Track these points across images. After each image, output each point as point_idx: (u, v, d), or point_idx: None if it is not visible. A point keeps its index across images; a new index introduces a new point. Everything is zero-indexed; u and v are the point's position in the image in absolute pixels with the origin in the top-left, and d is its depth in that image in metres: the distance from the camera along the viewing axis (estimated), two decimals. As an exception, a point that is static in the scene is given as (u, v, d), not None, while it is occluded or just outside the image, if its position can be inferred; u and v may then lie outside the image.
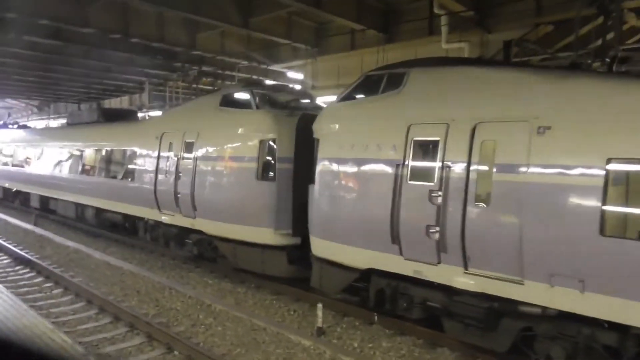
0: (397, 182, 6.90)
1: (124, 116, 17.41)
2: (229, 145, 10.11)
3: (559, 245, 5.34)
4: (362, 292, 8.12)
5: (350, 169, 7.64)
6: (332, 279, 8.38)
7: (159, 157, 12.21)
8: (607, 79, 5.96)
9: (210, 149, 10.53)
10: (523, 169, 5.67)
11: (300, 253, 9.56)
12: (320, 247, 8.37)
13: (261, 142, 9.53)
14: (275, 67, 18.59)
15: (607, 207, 5.12)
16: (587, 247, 5.17)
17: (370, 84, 7.96)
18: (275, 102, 10.35)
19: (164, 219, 12.14)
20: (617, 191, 5.30)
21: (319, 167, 8.29)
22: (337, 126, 8.09)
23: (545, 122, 5.57)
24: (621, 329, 5.26)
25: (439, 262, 6.43)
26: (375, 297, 7.69)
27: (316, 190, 8.33)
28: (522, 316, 5.94)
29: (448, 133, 6.40)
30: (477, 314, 6.22)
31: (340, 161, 7.81)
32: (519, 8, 10.83)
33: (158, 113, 17.74)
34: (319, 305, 7.57)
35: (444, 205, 6.36)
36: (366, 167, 7.39)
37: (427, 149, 6.75)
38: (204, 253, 11.43)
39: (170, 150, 11.85)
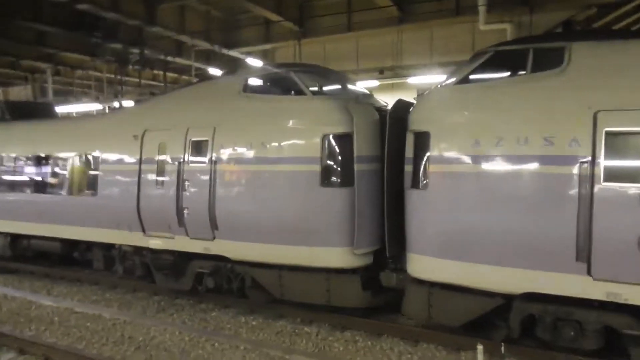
0: (585, 185, 5.73)
1: (42, 112, 13.96)
2: (273, 144, 8.03)
3: None
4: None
5: (500, 169, 6.24)
6: (455, 308, 6.94)
7: (141, 163, 9.60)
8: None
9: (239, 149, 8.33)
10: None
11: (371, 275, 8.00)
12: (435, 268, 6.85)
13: (325, 137, 7.67)
14: (234, 53, 16.44)
15: None
16: None
17: (504, 62, 6.69)
18: (326, 87, 8.56)
19: (153, 243, 9.59)
20: None
21: (434, 168, 6.79)
22: (466, 115, 6.64)
23: None
24: None
25: None
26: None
27: (430, 197, 6.81)
28: None
29: None
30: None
31: (481, 160, 6.36)
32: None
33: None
34: (480, 348, 6.08)
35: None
36: (528, 167, 6.05)
37: (626, 142, 5.67)
38: (222, 285, 9.20)
39: (162, 152, 9.34)
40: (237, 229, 8.35)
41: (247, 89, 8.72)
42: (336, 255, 7.74)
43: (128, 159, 9.80)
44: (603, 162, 5.64)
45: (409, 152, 7.28)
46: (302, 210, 7.79)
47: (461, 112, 6.64)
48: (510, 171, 6.17)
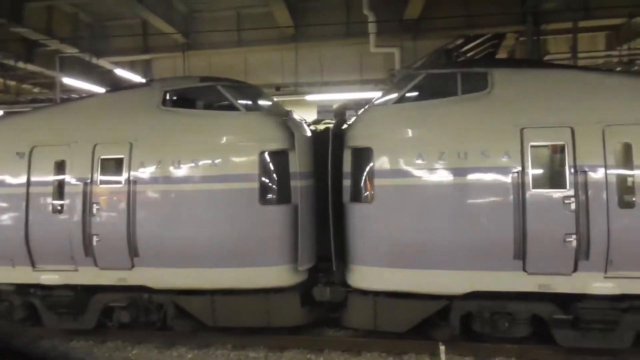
0: (517, 192, 6.61)
1: None
2: (205, 162, 7.59)
3: None
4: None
5: (444, 180, 6.86)
6: (401, 314, 7.35)
7: (29, 185, 8.25)
8: None
9: (165, 167, 7.69)
10: None
11: (304, 291, 8.06)
12: (382, 278, 7.21)
13: (264, 154, 7.54)
14: (104, 62, 14.95)
15: None
16: None
17: (436, 84, 7.39)
18: (250, 102, 8.38)
19: (47, 279, 8.27)
20: None
21: (378, 182, 7.15)
22: (408, 132, 7.13)
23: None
24: None
25: None
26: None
27: (376, 210, 7.15)
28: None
29: (575, 136, 6.53)
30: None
31: (425, 172, 6.91)
32: (447, 22, 11.87)
33: None
34: (442, 348, 6.50)
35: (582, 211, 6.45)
36: (468, 177, 6.76)
37: (546, 154, 6.71)
38: (137, 319, 8.31)
39: (59, 172, 8.17)
40: (163, 255, 7.67)
41: (167, 102, 8.13)
42: (278, 274, 7.62)
43: (10, 180, 8.34)
44: (530, 172, 6.61)
45: (347, 167, 7.58)
46: (240, 230, 7.51)
47: (404, 129, 7.15)
48: (452, 182, 6.84)
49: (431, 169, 6.90)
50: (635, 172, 6.46)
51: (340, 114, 9.88)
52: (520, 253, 6.62)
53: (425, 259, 6.94)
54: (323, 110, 12.00)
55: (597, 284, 6.57)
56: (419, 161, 6.94)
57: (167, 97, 8.16)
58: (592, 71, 7.79)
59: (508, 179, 6.65)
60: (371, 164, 7.21)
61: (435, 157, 6.88)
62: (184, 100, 8.28)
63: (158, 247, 7.67)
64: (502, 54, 16.05)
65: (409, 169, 6.98)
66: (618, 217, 6.41)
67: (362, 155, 7.35)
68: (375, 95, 12.93)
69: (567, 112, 6.69)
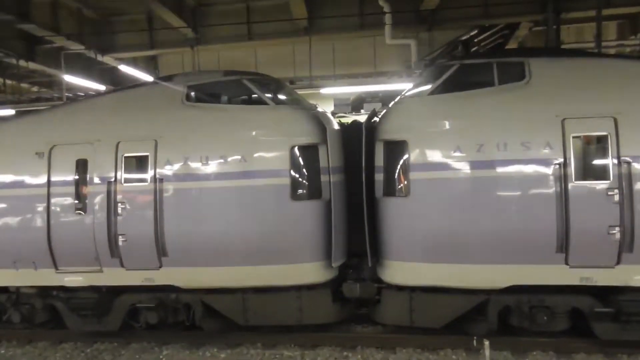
0: (559, 184, 6.54)
1: None
2: (235, 157, 7.43)
3: None
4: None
5: (483, 172, 6.75)
6: (438, 309, 7.28)
7: (49, 186, 8.06)
8: None
9: (192, 165, 7.53)
10: None
11: (335, 288, 7.97)
12: (420, 273, 7.12)
13: (295, 148, 7.39)
14: (108, 58, 14.67)
15: None
16: None
17: (471, 74, 7.28)
18: (283, 95, 8.23)
19: (70, 280, 8.11)
20: None
21: (415, 176, 7.04)
22: (445, 124, 7.02)
23: None
24: None
25: None
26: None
27: (413, 204, 7.04)
28: None
29: (618, 126, 6.46)
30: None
31: (463, 165, 6.80)
32: (463, 12, 11.74)
33: None
34: (487, 343, 6.42)
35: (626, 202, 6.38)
36: (508, 169, 6.66)
37: (589, 145, 6.63)
38: (166, 319, 8.18)
39: (81, 172, 7.98)
40: (193, 254, 7.54)
41: (192, 97, 7.96)
42: (311, 271, 7.52)
43: (29, 180, 8.13)
44: (573, 163, 6.54)
45: (380, 160, 7.46)
46: (271, 227, 7.38)
47: (441, 121, 7.04)
48: (492, 174, 6.75)
49: (470, 161, 6.80)
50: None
51: (357, 106, 9.82)
52: (563, 246, 6.55)
53: (464, 253, 6.86)
54: (340, 103, 11.91)
55: (640, 276, 6.53)
56: (457, 153, 6.83)
57: (191, 92, 8.00)
58: (631, 60, 7.71)
59: (550, 170, 6.57)
60: (406, 157, 7.10)
61: (474, 149, 6.78)
62: (209, 95, 8.11)
63: (187, 245, 7.53)
64: (512, 45, 15.98)
65: (447, 161, 6.88)
66: None
67: (397, 149, 7.23)
68: (390, 87, 12.93)
69: (609, 102, 6.61)
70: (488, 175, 6.76)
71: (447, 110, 7.08)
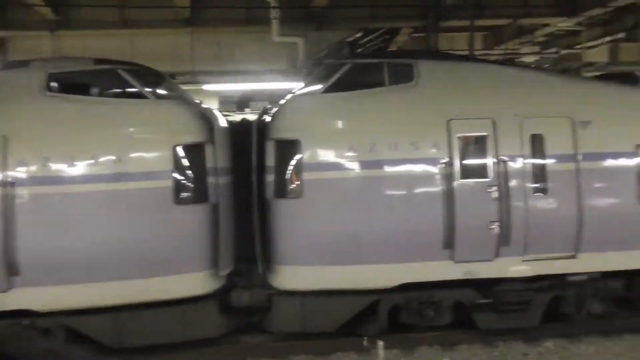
0: (447, 182, 6.80)
1: None
2: (106, 158, 6.62)
3: None
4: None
5: (375, 172, 6.79)
6: (331, 313, 7.18)
7: None
8: None
9: (54, 166, 6.56)
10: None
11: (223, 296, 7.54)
12: (314, 277, 6.98)
13: (176, 148, 6.80)
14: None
15: None
16: None
17: (363, 74, 7.30)
18: (165, 89, 7.54)
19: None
20: None
21: (307, 175, 6.87)
22: (339, 123, 6.94)
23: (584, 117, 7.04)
24: None
25: None
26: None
27: (305, 205, 6.87)
28: None
29: (496, 128, 6.90)
30: None
31: (356, 165, 6.80)
32: (352, 13, 11.88)
33: None
34: (381, 344, 6.39)
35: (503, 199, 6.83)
36: (402, 169, 6.80)
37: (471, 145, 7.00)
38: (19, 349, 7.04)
39: None
40: (54, 270, 6.55)
41: (54, 87, 6.98)
42: (196, 281, 6.99)
43: None
44: (457, 162, 6.85)
45: (271, 160, 7.20)
46: (151, 234, 6.73)
47: (334, 120, 6.97)
48: (383, 174, 6.84)
49: (362, 161, 6.82)
50: (547, 161, 7.03)
51: (244, 105, 9.49)
52: (449, 242, 6.84)
53: (357, 254, 6.86)
54: (225, 101, 11.43)
55: (516, 268, 7.05)
56: (350, 153, 6.82)
57: (53, 81, 7.00)
58: (511, 66, 8.35)
59: (437, 169, 6.83)
60: (299, 157, 6.92)
61: (366, 148, 6.82)
62: (76, 85, 7.16)
63: (47, 261, 6.52)
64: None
65: (340, 161, 6.84)
66: (533, 203, 6.92)
67: (289, 148, 7.01)
68: (277, 86, 12.70)
69: (489, 104, 7.05)
70: (380, 175, 6.84)
71: (340, 109, 7.05)
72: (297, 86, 8.30)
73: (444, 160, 6.84)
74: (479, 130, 6.96)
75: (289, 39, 11.89)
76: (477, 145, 6.98)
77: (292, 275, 7.10)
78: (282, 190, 7.11)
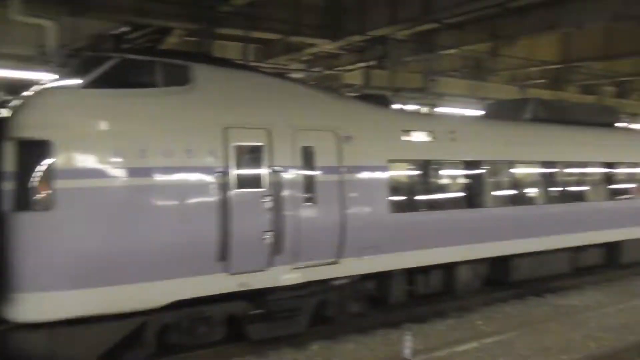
0: (223, 191, 6.57)
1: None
2: None
3: None
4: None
5: (145, 181, 6.10)
6: (87, 342, 6.19)
7: None
8: None
9: None
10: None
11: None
12: (63, 303, 5.90)
13: None
14: None
15: None
16: None
17: (133, 71, 6.55)
18: None
19: None
20: None
21: (61, 184, 5.82)
22: (103, 123, 6.02)
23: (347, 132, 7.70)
24: None
25: None
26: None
27: (58, 219, 5.81)
28: None
29: (271, 138, 6.97)
30: None
31: (123, 172, 6.02)
32: (115, 2, 10.69)
33: None
34: None
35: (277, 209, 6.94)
36: (176, 177, 6.29)
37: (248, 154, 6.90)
38: None
39: None
40: None
41: None
42: None
43: None
44: (234, 171, 6.72)
45: (10, 165, 5.95)
46: None
47: (97, 120, 6.10)
48: (155, 183, 6.26)
49: (130, 168, 6.11)
50: (316, 172, 7.45)
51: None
52: (224, 254, 6.65)
53: (122, 273, 6.10)
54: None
55: (288, 276, 7.26)
56: (116, 159, 6.04)
57: None
58: (286, 80, 8.58)
59: (213, 179, 6.58)
60: (50, 161, 5.84)
61: (136, 154, 6.15)
62: None
63: None
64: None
65: (103, 167, 6.00)
66: (303, 212, 7.25)
67: (36, 150, 5.86)
68: (18, 74, 10.65)
69: (265, 115, 7.13)
70: (150, 184, 6.23)
71: (104, 108, 6.20)
72: (47, 77, 7.05)
73: (219, 170, 6.64)
74: (254, 140, 6.98)
75: (35, 20, 10.11)
76: (253, 155, 6.99)
77: (36, 304, 5.88)
78: (24, 201, 5.90)
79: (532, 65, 16.64)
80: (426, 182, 8.97)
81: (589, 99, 20.80)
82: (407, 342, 6.96)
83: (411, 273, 8.95)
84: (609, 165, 11.82)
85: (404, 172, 8.89)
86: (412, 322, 8.96)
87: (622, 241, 12.06)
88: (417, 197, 8.86)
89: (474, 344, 7.94)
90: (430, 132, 9.03)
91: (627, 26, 14.06)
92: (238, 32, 12.08)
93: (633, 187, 12.24)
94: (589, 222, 11.18)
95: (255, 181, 6.93)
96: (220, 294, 6.85)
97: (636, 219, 12.12)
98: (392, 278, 8.66)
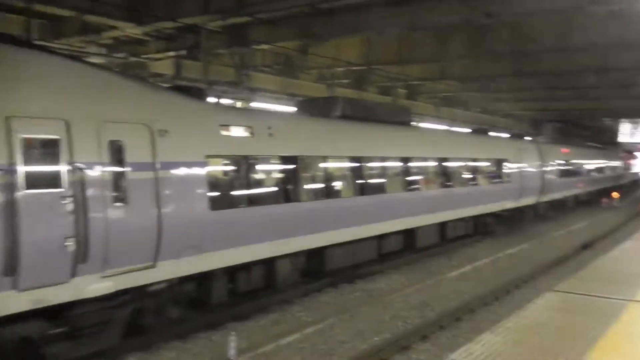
0: (9, 193, 5.51)
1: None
2: None
3: None
4: None
5: None
6: None
7: None
8: None
9: None
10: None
11: None
12: None
13: None
14: None
15: None
16: None
17: None
18: None
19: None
20: None
21: None
22: None
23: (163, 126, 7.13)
24: None
25: None
26: None
27: None
28: None
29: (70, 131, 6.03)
30: None
31: None
32: None
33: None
34: None
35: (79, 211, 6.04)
36: None
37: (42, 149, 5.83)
38: None
39: None
40: None
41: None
42: None
43: None
44: (22, 169, 5.69)
45: None
46: None
47: None
48: None
49: None
50: (127, 169, 6.75)
51: None
52: (12, 268, 5.59)
53: None
54: None
55: (96, 286, 6.45)
56: None
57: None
58: (89, 64, 7.46)
59: None
60: None
61: None
62: None
63: None
64: None
65: None
66: (113, 213, 6.51)
67: None
68: None
69: (62, 104, 6.18)
70: None
71: None
72: None
73: (2, 167, 5.56)
74: (49, 133, 5.99)
75: None
76: (47, 150, 5.98)
77: None
78: None
79: (339, 66, 17.63)
80: (246, 178, 8.86)
81: (386, 99, 23.06)
82: (232, 342, 6.80)
83: (232, 271, 8.78)
84: (406, 160, 13.20)
85: (223, 168, 8.65)
86: (236, 320, 8.83)
87: (417, 228, 13.63)
88: (238, 193, 8.71)
89: (296, 336, 8.14)
90: (249, 127, 8.94)
91: (418, 35, 15.86)
92: (18, 3, 10.25)
93: (422, 179, 13.87)
94: (390, 211, 12.35)
95: (51, 180, 5.96)
96: (8, 315, 5.79)
97: (426, 208, 13.78)
98: (214, 278, 8.38)
